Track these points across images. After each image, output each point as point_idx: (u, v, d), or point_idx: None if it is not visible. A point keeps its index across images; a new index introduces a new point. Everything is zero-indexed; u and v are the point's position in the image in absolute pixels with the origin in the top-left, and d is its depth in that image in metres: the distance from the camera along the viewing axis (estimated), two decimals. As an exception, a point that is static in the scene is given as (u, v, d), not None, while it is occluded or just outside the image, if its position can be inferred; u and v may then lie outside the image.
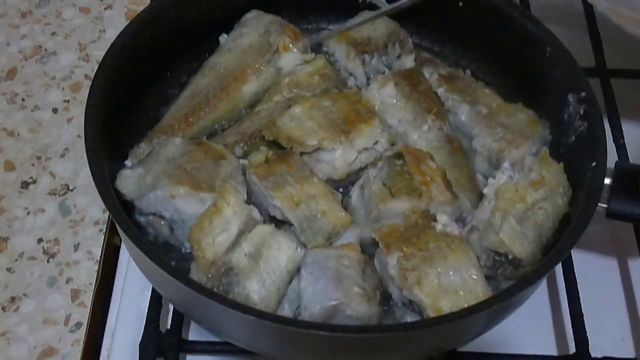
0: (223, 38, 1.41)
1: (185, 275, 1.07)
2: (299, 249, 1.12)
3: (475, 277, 1.09)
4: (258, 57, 1.36)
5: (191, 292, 0.99)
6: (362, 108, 1.29)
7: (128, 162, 1.25)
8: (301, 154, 1.23)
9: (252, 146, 1.28)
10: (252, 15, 1.41)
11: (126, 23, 1.30)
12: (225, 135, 1.31)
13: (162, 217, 1.16)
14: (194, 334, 1.23)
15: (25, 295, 1.31)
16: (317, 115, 1.27)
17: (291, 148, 1.23)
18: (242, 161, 1.22)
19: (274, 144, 1.26)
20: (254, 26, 1.39)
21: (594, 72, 1.50)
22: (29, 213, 1.40)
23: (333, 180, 1.25)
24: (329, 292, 1.05)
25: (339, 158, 1.25)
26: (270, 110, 1.32)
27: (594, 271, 1.32)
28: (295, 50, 1.36)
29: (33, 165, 1.46)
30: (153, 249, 1.05)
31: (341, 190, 1.25)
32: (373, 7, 1.47)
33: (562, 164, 1.21)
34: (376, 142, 1.27)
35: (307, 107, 1.27)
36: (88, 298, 1.31)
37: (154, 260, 1.01)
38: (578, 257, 1.26)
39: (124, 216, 1.07)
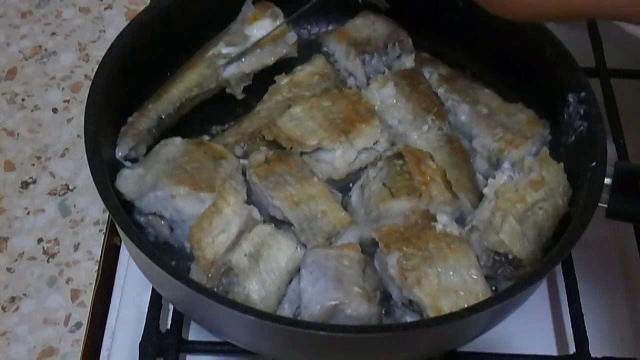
0: None
1: (185, 275, 1.07)
2: (298, 249, 1.12)
3: (475, 277, 1.09)
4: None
5: (191, 292, 0.99)
6: (362, 108, 1.29)
7: (120, 152, 1.24)
8: (301, 153, 1.23)
9: (252, 146, 1.28)
10: None
11: (126, 23, 1.30)
12: (225, 135, 1.31)
13: (162, 217, 1.16)
14: (194, 334, 1.23)
15: (25, 295, 1.31)
16: (317, 115, 1.27)
17: (291, 148, 1.23)
18: (242, 161, 1.23)
19: (274, 144, 1.26)
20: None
21: (594, 72, 1.49)
22: (29, 213, 1.40)
23: (333, 180, 1.25)
24: (329, 292, 1.05)
25: (338, 158, 1.25)
26: (270, 110, 1.32)
27: (594, 271, 1.32)
28: (266, 18, 1.35)
29: (33, 165, 1.46)
30: (153, 249, 1.05)
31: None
32: (373, 6, 1.47)
33: (562, 164, 1.21)
34: (376, 142, 1.27)
35: (307, 107, 1.27)
36: (88, 298, 1.31)
37: (154, 260, 1.01)
38: (578, 257, 1.26)
39: (124, 216, 1.07)
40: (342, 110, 1.28)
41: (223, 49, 1.33)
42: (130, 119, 1.26)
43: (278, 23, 1.35)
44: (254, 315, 0.97)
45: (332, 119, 1.26)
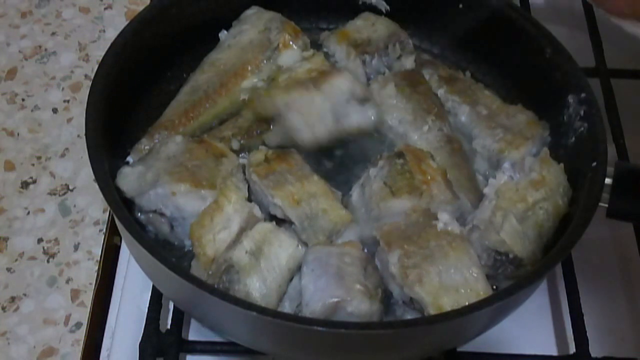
0: (223, 34, 1.41)
1: (187, 271, 1.07)
2: (299, 246, 1.12)
3: (476, 275, 1.09)
4: (258, 53, 1.36)
5: (192, 289, 0.99)
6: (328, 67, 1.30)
7: (130, 159, 1.26)
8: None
9: (249, 140, 1.29)
10: (252, 11, 1.41)
11: (126, 23, 1.30)
12: (223, 129, 1.31)
13: (162, 214, 1.16)
14: (194, 334, 1.23)
15: (25, 295, 1.31)
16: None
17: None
18: (242, 160, 1.23)
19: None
20: (254, 23, 1.39)
21: (594, 72, 1.50)
22: (29, 213, 1.40)
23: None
24: (331, 289, 1.05)
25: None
26: (268, 106, 1.33)
27: (594, 271, 1.32)
28: (295, 47, 1.37)
29: (33, 165, 1.46)
30: (154, 245, 1.05)
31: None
32: (373, 8, 1.47)
33: (562, 165, 1.21)
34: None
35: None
36: (88, 298, 1.31)
37: (155, 255, 1.00)
38: (578, 257, 1.26)
39: (125, 212, 1.07)
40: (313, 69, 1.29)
41: (258, 82, 1.36)
42: (156, 136, 1.28)
43: (305, 53, 1.38)
44: (256, 311, 0.97)
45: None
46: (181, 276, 0.99)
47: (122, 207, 1.08)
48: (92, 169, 1.08)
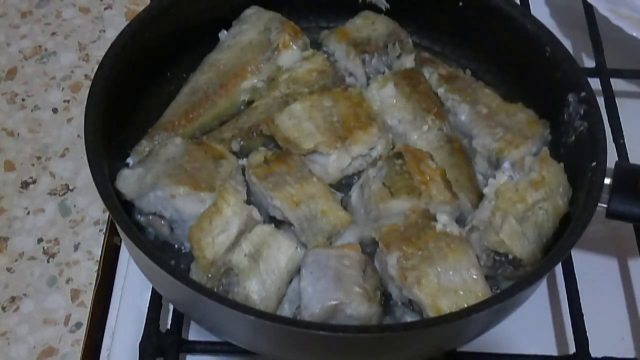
0: (223, 34, 1.41)
1: (185, 275, 1.07)
2: (298, 249, 1.12)
3: (475, 276, 1.09)
4: (258, 54, 1.36)
5: (191, 292, 0.99)
6: (362, 112, 1.28)
7: (130, 161, 1.26)
8: None
9: (250, 141, 1.29)
10: (252, 11, 1.41)
11: (126, 23, 1.30)
12: (223, 130, 1.31)
13: (162, 216, 1.16)
14: (194, 334, 1.23)
15: (25, 295, 1.31)
16: (316, 116, 1.26)
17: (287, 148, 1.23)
18: (241, 162, 1.23)
19: (271, 140, 1.27)
20: (254, 23, 1.39)
21: (594, 72, 1.50)
22: (29, 213, 1.40)
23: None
24: (330, 291, 1.05)
25: (332, 163, 1.25)
26: (268, 106, 1.33)
27: (594, 271, 1.32)
28: (295, 47, 1.37)
29: (33, 165, 1.46)
30: (153, 249, 1.05)
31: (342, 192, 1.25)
32: (373, 6, 1.47)
33: (562, 164, 1.21)
34: (372, 148, 1.27)
35: (308, 105, 1.27)
36: (88, 298, 1.31)
37: (154, 260, 1.01)
38: (578, 257, 1.26)
39: (124, 216, 1.07)
40: (342, 113, 1.28)
41: (258, 83, 1.36)
42: (156, 137, 1.28)
43: (305, 53, 1.38)
44: (254, 315, 0.97)
45: (330, 122, 1.26)
46: (180, 280, 0.99)
47: (122, 211, 1.08)
48: (91, 172, 1.07)
